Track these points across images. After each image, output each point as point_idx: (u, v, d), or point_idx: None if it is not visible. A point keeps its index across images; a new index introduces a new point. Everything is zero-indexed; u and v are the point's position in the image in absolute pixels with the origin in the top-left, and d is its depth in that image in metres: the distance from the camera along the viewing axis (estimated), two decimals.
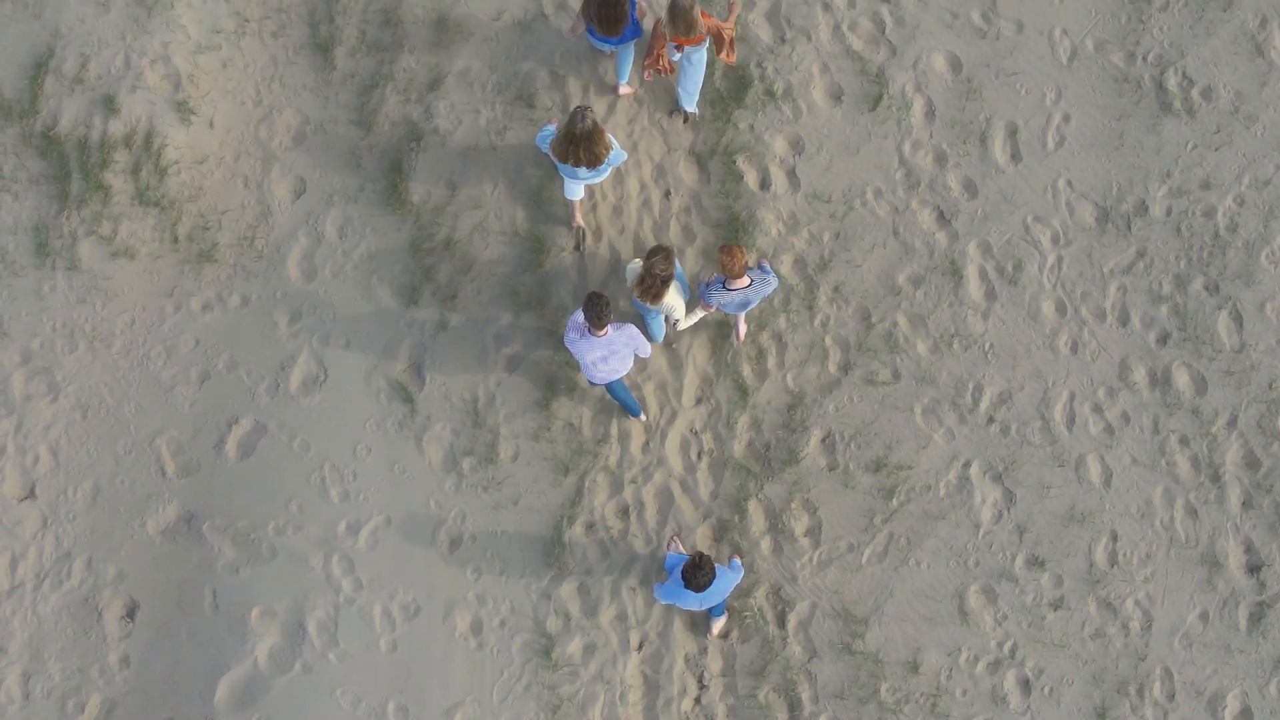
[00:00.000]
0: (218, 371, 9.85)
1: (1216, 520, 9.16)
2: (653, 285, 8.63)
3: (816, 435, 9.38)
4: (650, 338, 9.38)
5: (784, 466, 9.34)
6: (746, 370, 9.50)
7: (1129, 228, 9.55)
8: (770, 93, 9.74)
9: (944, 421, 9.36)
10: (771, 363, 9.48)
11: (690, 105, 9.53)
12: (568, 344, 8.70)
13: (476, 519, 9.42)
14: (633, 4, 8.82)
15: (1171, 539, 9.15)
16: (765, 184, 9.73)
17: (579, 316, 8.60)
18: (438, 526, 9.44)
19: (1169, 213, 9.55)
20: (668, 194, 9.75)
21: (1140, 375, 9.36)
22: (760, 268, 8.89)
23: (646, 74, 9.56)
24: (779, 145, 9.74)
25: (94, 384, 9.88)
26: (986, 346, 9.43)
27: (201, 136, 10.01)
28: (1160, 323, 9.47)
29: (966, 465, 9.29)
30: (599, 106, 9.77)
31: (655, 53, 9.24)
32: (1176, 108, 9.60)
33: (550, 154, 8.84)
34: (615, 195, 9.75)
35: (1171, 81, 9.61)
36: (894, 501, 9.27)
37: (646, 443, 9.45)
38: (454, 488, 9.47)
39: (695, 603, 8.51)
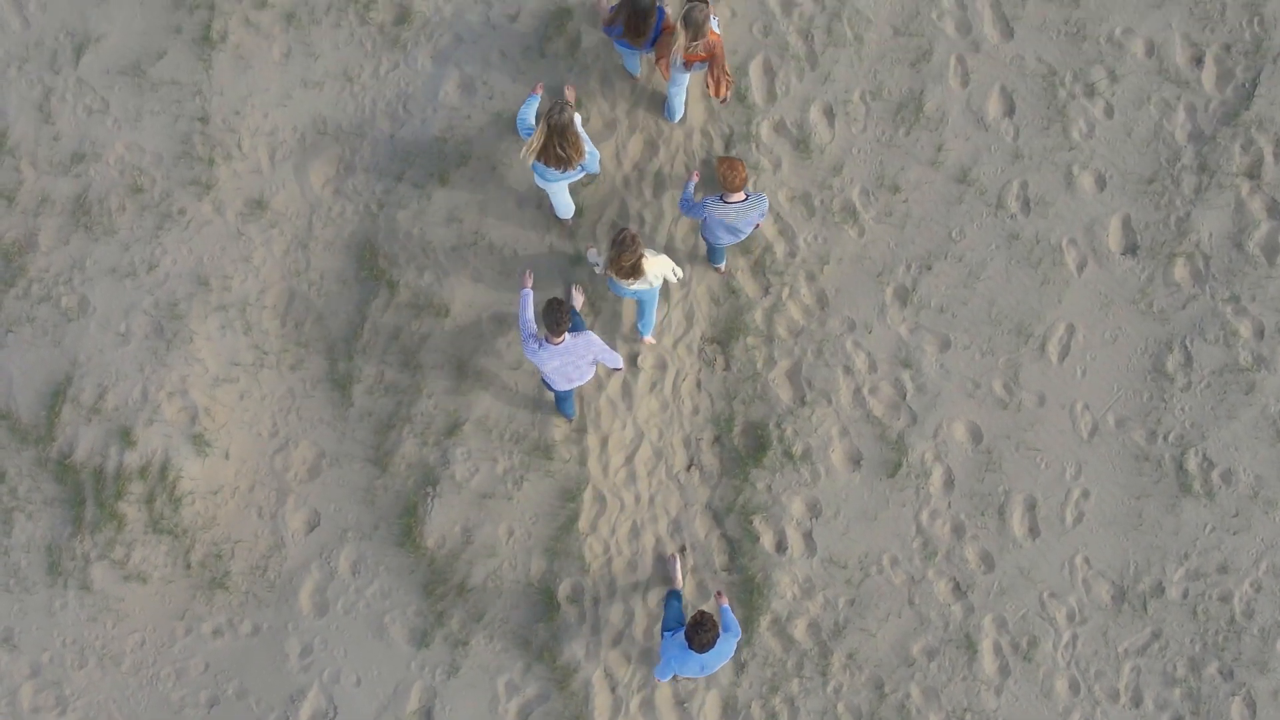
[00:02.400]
0: (227, 698, 9.83)
1: None
2: (625, 266, 8.49)
3: None
4: (642, 329, 9.48)
5: None
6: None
7: (1145, 608, 9.52)
8: (789, 455, 9.71)
9: None
10: None
11: (675, 119, 9.67)
12: (526, 354, 8.65)
13: None
14: (660, 14, 8.91)
15: None
16: (781, 547, 9.70)
17: (530, 323, 8.57)
18: None
19: (1185, 595, 9.52)
20: (682, 549, 9.73)
21: None
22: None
23: (661, 69, 9.41)
24: (796, 508, 9.71)
25: (102, 700, 9.86)
26: None
27: (216, 467, 9.98)
28: (1174, 706, 9.44)
29: None
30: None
31: (662, 55, 9.17)
32: (1196, 489, 9.57)
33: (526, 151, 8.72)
34: (630, 549, 9.72)
35: (1192, 463, 9.58)
36: None
37: None
38: None
39: (697, 668, 8.40)
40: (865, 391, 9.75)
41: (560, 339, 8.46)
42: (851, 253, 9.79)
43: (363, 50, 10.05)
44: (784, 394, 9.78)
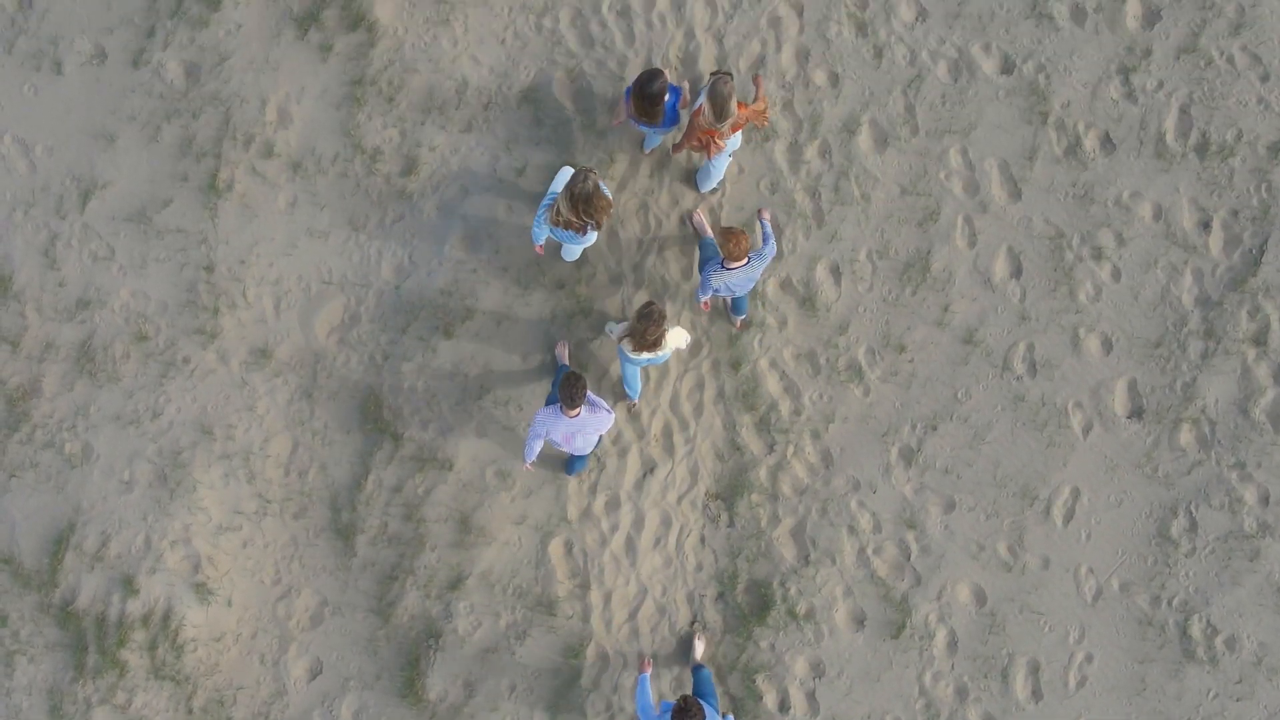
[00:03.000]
0: None
1: None
2: (650, 339, 8.56)
3: None
4: (626, 389, 9.58)
5: None
6: None
7: None
8: (792, 614, 9.70)
9: None
10: None
11: (707, 188, 9.61)
12: (535, 424, 8.69)
13: None
14: (675, 94, 8.86)
15: None
16: (784, 706, 9.69)
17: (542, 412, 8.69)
18: None
19: None
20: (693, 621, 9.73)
21: None
22: (762, 244, 8.83)
23: (676, 151, 9.45)
24: (799, 667, 9.70)
25: None
26: None
27: (219, 615, 9.97)
28: None
29: None
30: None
31: (688, 141, 9.06)
32: (1200, 655, 9.56)
33: (540, 218, 8.79)
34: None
35: (1196, 629, 9.57)
36: None
37: None
38: None
39: None
40: (869, 552, 9.74)
41: (576, 412, 8.48)
42: (857, 412, 9.78)
43: (369, 200, 10.03)
44: (788, 552, 9.77)
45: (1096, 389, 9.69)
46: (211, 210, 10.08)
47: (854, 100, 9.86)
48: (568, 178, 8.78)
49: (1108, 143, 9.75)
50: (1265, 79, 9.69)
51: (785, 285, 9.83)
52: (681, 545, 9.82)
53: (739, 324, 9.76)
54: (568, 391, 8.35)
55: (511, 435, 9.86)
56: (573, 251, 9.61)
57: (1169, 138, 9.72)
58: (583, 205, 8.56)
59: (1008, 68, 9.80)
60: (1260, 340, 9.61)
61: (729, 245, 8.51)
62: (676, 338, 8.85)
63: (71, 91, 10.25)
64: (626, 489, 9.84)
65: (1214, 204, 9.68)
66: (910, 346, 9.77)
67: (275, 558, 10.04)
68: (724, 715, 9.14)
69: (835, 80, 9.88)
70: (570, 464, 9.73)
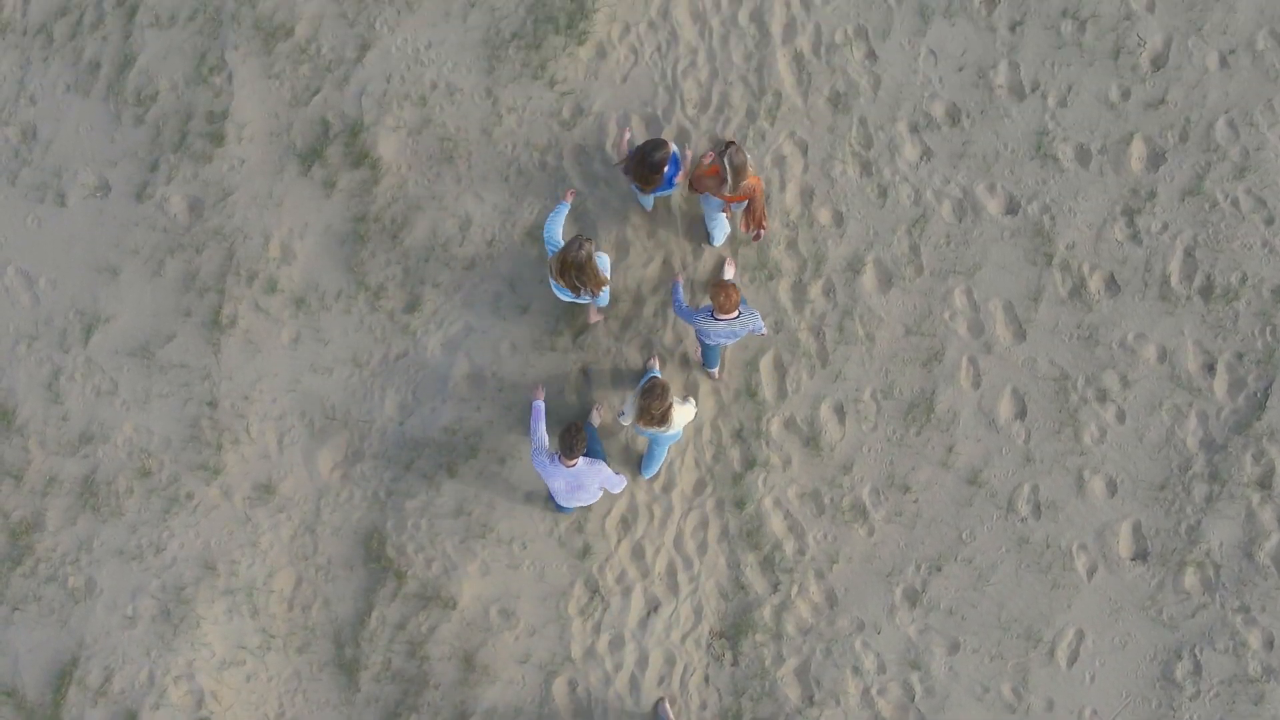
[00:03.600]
0: None
1: None
2: (656, 414, 8.59)
3: None
4: (644, 471, 9.68)
5: None
6: None
7: None
8: None
9: None
10: None
11: (716, 243, 9.68)
12: (535, 465, 8.73)
13: None
14: (675, 167, 9.00)
15: None
16: None
17: (542, 438, 8.73)
18: None
19: None
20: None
21: None
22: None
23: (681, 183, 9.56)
24: None
25: None
26: None
27: None
28: None
29: None
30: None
31: (698, 190, 9.11)
32: None
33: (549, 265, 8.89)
34: None
35: None
36: None
37: None
38: None
39: None
40: (874, 692, 9.72)
41: (573, 463, 8.51)
42: (861, 552, 9.77)
43: (372, 336, 10.03)
44: (792, 693, 9.76)
45: (1101, 531, 9.68)
46: (215, 345, 10.07)
47: (858, 239, 9.85)
48: (560, 220, 8.97)
49: (1112, 284, 9.74)
50: (1270, 222, 9.68)
51: (789, 425, 9.82)
52: (686, 684, 9.81)
53: (714, 374, 9.81)
54: (567, 442, 8.37)
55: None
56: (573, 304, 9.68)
57: (1174, 280, 9.70)
58: (575, 272, 8.65)
59: (1012, 208, 9.79)
60: (1265, 484, 9.59)
61: (720, 298, 8.57)
62: (687, 414, 8.91)
63: (75, 224, 10.25)
64: (630, 627, 9.83)
65: (1219, 347, 9.66)
66: (915, 487, 9.76)
67: (279, 692, 10.02)
68: None
69: (839, 219, 9.86)
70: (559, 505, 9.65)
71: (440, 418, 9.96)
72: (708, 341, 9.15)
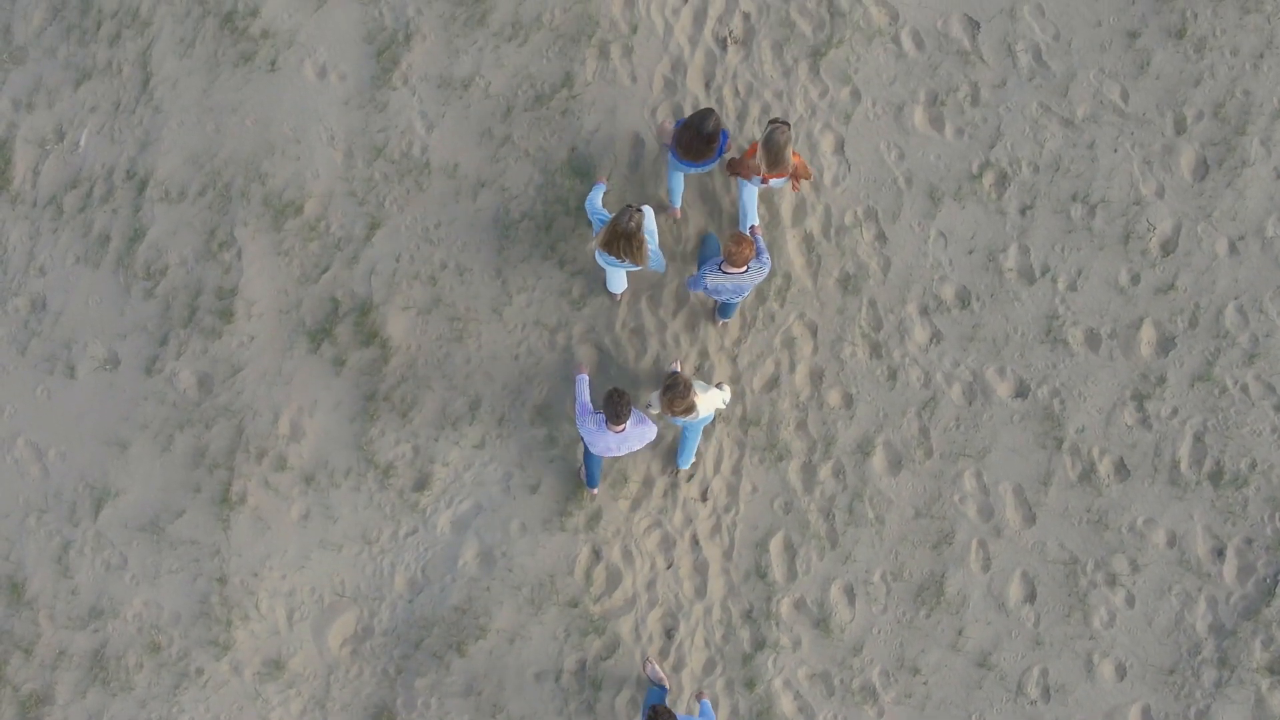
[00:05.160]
0: None
1: None
2: (679, 408, 8.61)
3: None
4: (681, 461, 9.74)
5: None
6: None
7: None
8: None
9: None
10: None
11: (746, 224, 9.56)
12: (581, 430, 8.80)
13: None
14: (724, 137, 8.92)
15: None
16: None
17: (587, 404, 8.83)
18: None
19: None
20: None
21: None
22: (757, 255, 8.85)
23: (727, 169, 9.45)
24: None
25: None
26: None
27: None
28: None
29: None
30: None
31: (735, 170, 9.13)
32: None
33: (595, 238, 8.88)
34: None
35: None
36: None
37: None
38: None
39: None
40: None
41: (621, 427, 8.56)
42: None
43: (382, 514, 10.03)
44: None
45: (1110, 715, 9.69)
46: (224, 522, 10.07)
47: (868, 421, 9.85)
48: (600, 195, 9.09)
49: (1122, 469, 9.74)
50: (1279, 409, 9.69)
51: (800, 606, 9.83)
52: None
53: (721, 325, 9.85)
54: (613, 408, 8.41)
55: None
56: (617, 281, 9.63)
57: (1183, 465, 9.71)
58: (623, 242, 8.62)
59: (1022, 392, 9.80)
60: (1274, 670, 9.60)
61: (733, 249, 8.52)
62: (711, 400, 8.93)
63: (84, 397, 10.25)
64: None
65: (1228, 532, 9.67)
66: (924, 669, 9.77)
67: None
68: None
69: (849, 401, 9.87)
70: (589, 472, 9.68)
71: (450, 596, 9.96)
72: (717, 298, 9.15)
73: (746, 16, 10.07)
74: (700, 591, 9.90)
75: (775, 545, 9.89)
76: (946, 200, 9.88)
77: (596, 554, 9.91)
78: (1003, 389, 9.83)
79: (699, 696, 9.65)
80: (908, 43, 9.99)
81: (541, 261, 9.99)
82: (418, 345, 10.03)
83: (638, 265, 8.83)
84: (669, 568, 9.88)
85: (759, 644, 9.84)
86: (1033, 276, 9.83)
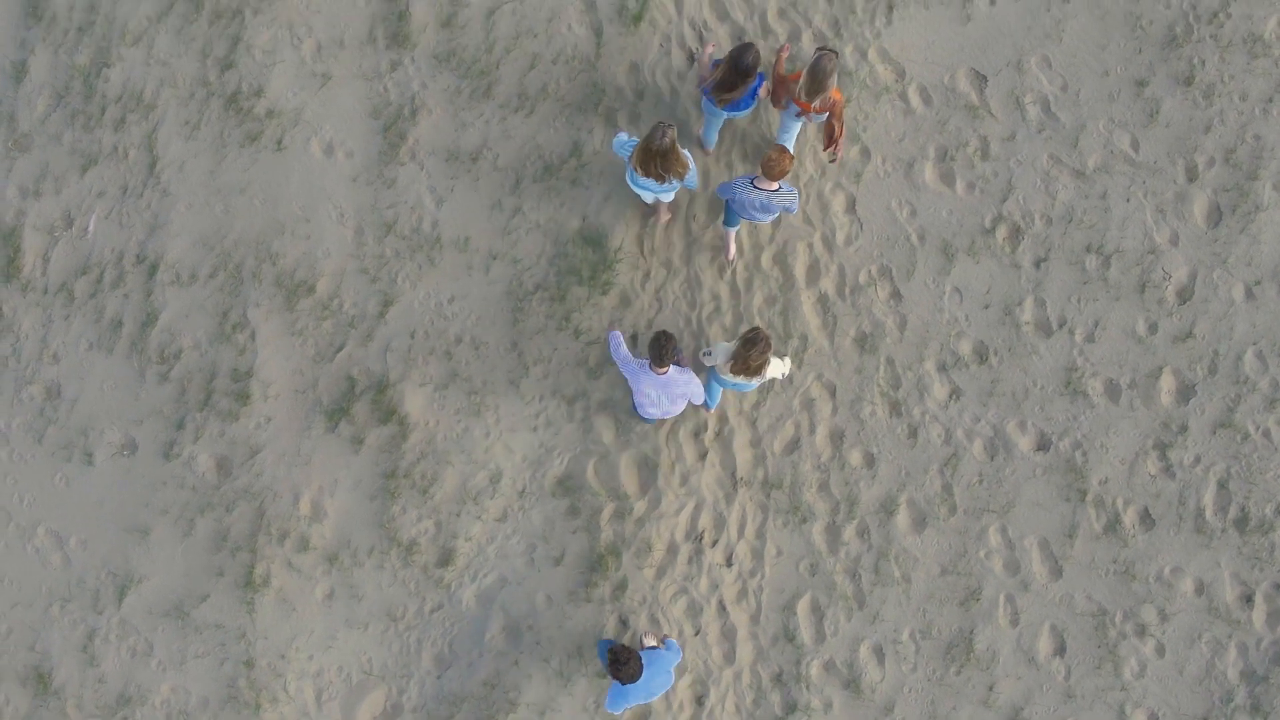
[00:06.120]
0: None
1: None
2: (754, 365, 8.53)
3: None
4: (705, 401, 9.44)
5: None
6: None
7: None
8: None
9: None
10: None
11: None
12: (623, 369, 8.73)
13: None
14: (760, 78, 8.86)
15: None
16: None
17: (626, 353, 8.70)
18: None
19: None
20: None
21: None
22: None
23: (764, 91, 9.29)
24: None
25: None
26: None
27: None
28: None
29: None
30: None
31: (776, 91, 9.03)
32: None
33: (628, 162, 8.82)
34: None
35: None
36: None
37: None
38: None
39: (642, 695, 8.62)
40: None
41: (665, 370, 8.53)
42: None
43: (406, 590, 10.00)
44: None
45: None
46: (249, 605, 10.04)
47: (890, 480, 9.82)
48: (624, 137, 8.95)
49: (1147, 519, 9.71)
50: None
51: (829, 667, 9.79)
52: None
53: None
54: (657, 350, 8.37)
55: None
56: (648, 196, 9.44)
57: (1208, 513, 9.68)
58: (659, 161, 8.57)
59: (1044, 445, 9.77)
60: None
61: (774, 156, 8.45)
62: (776, 368, 8.86)
63: (103, 483, 10.22)
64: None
65: (1256, 578, 9.64)
66: None
67: None
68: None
69: (871, 461, 9.84)
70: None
71: (478, 671, 9.93)
72: (741, 214, 9.08)
73: None
74: (729, 657, 9.87)
75: (802, 607, 9.86)
76: (960, 255, 9.86)
77: (624, 623, 9.88)
78: (1024, 443, 9.80)
79: (665, 637, 9.63)
80: (915, 99, 9.96)
81: (556, 332, 9.96)
82: (436, 421, 10.00)
83: (674, 184, 8.74)
84: (696, 634, 9.85)
85: (790, 707, 9.81)
86: (1050, 329, 9.81)
